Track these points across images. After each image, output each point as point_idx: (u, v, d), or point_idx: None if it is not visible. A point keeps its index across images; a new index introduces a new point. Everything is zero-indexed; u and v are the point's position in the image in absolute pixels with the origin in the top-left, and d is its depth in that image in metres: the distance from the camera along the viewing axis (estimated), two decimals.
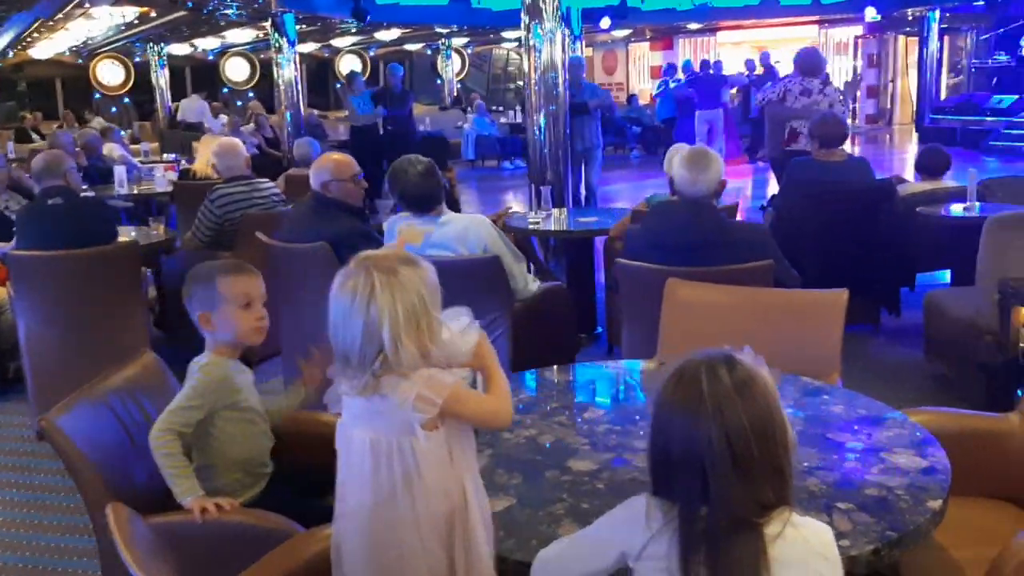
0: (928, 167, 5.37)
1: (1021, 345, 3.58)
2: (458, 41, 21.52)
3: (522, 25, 6.27)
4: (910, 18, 17.40)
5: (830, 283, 2.79)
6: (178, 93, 19.46)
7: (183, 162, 8.04)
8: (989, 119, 14.61)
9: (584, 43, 15.53)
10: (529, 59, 6.28)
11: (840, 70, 19.67)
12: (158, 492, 2.02)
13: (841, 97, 6.53)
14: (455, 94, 20.01)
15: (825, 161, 4.92)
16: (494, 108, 19.03)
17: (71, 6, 10.91)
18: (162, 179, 7.06)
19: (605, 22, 15.16)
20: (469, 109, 16.93)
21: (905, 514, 1.58)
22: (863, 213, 4.85)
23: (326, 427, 2.34)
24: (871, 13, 15.65)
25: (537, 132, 6.31)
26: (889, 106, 19.88)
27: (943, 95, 17.13)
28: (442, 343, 1.55)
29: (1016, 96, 14.50)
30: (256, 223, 4.83)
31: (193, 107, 15.91)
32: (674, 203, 3.21)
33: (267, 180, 5.07)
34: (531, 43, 6.23)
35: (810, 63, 6.71)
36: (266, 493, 2.15)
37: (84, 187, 6.10)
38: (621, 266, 3.18)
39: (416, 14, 13.63)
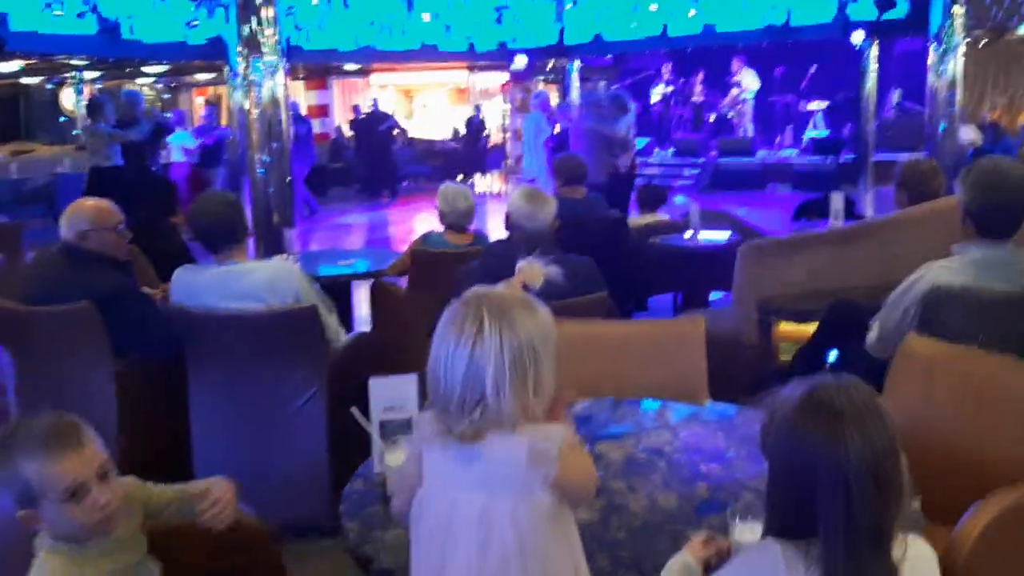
0: (647, 201, 5.91)
1: (781, 357, 4.06)
2: (90, 75, 19.58)
3: (239, 58, 5.86)
4: (549, 68, 19.16)
5: None
6: None
7: None
8: None
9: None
10: (250, 95, 5.87)
11: (492, 113, 21.03)
12: None
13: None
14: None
15: (569, 197, 5.19)
16: None
17: None
18: None
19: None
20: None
21: None
22: (603, 244, 5.20)
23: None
24: (522, 61, 16.99)
25: (261, 171, 5.90)
26: None
27: None
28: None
29: (648, 139, 16.51)
30: None
31: None
32: (518, 238, 3.18)
33: None
34: (250, 77, 5.83)
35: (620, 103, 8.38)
36: None
37: None
38: None
39: (57, 44, 12.17)
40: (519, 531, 1.37)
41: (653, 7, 11.06)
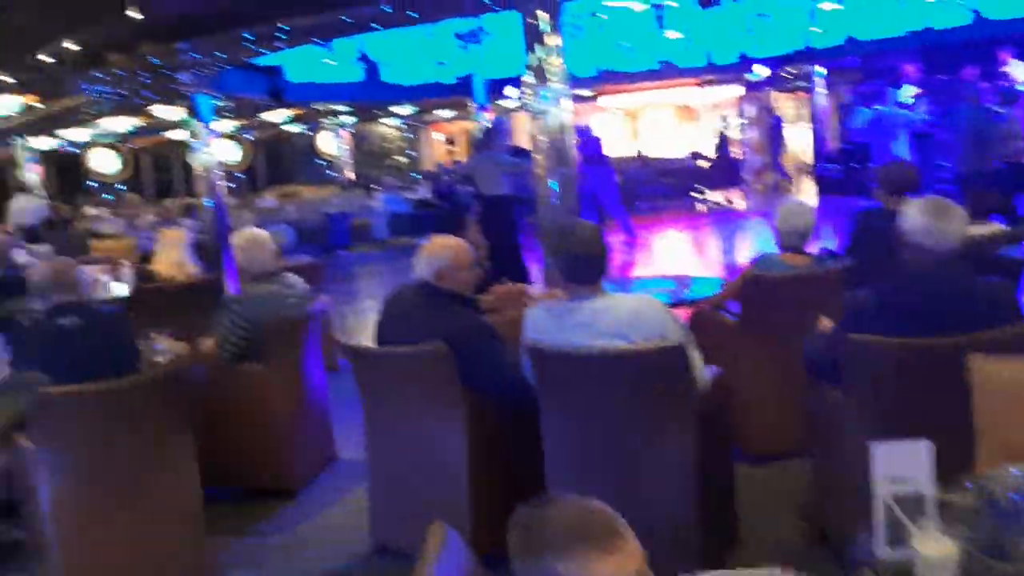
0: (979, 209, 5.23)
1: None
2: (346, 119, 20.95)
3: (526, 88, 5.84)
4: (787, 76, 18.20)
5: None
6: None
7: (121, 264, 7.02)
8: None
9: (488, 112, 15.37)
10: (535, 122, 5.84)
11: (729, 127, 20.33)
12: None
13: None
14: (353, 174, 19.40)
15: (896, 209, 4.64)
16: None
17: None
18: (106, 284, 6.07)
19: (511, 91, 15.05)
20: (375, 187, 16.33)
21: None
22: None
23: None
24: (763, 71, 16.26)
25: (551, 197, 5.83)
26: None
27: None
28: None
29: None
30: (290, 326, 4.11)
31: (28, 208, 13.77)
32: (919, 261, 2.75)
33: (292, 275, 4.32)
34: (536, 106, 5.79)
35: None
36: None
37: None
38: (860, 345, 2.65)
39: (324, 91, 13.03)
40: None
41: None
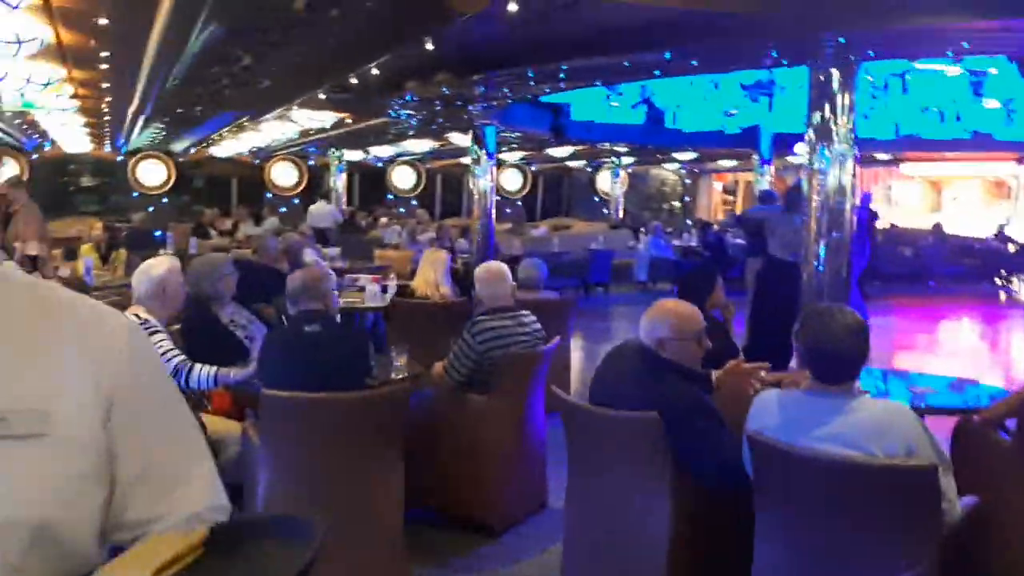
0: None
1: None
2: (625, 160, 21.16)
3: (807, 145, 5.48)
4: None
5: None
6: (350, 197, 19.79)
7: (391, 275, 7.50)
8: None
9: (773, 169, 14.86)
10: (812, 182, 5.45)
11: None
12: None
13: None
14: (622, 213, 19.50)
15: None
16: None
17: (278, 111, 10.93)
18: (374, 294, 6.46)
19: (800, 148, 14.39)
20: (643, 230, 16.25)
21: None
22: None
23: None
24: None
25: (816, 263, 5.40)
26: None
27: None
28: None
29: None
30: (519, 363, 4.08)
31: (324, 213, 15.47)
32: None
33: (529, 312, 4.30)
34: (816, 165, 5.41)
35: None
36: None
37: None
38: None
39: (606, 132, 13.19)
40: None
41: None
